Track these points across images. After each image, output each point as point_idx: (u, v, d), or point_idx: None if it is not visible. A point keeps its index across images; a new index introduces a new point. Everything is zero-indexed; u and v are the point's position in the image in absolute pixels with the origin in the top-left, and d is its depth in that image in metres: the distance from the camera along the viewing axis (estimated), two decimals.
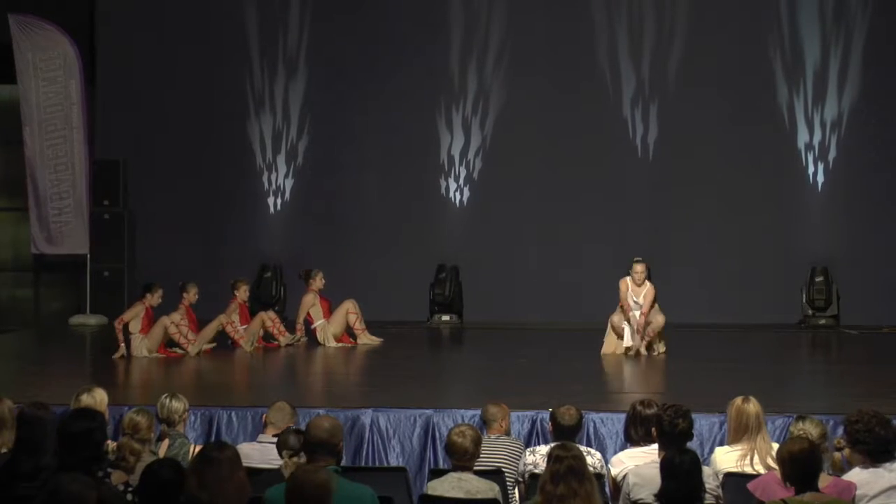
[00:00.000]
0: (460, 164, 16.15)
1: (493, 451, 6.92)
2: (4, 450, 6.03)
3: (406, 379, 10.53)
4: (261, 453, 6.76)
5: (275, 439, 6.57)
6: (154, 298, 11.94)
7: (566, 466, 5.15)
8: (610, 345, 12.01)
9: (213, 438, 8.07)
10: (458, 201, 16.20)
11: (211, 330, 12.20)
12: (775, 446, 6.06)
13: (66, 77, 15.17)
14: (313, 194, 16.29)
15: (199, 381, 10.72)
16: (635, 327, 11.83)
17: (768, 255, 15.43)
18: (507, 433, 7.38)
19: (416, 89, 15.99)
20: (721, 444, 7.04)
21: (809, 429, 6.25)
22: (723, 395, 7.18)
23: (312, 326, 13.03)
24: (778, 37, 15.65)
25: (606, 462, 6.89)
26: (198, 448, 6.43)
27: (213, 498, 4.71)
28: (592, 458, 6.64)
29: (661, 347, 12.05)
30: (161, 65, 16.24)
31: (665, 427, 6.02)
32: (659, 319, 11.93)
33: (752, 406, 6.43)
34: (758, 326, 14.65)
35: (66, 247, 15.40)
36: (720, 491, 6.05)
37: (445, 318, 15.36)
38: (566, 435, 6.67)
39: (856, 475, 5.71)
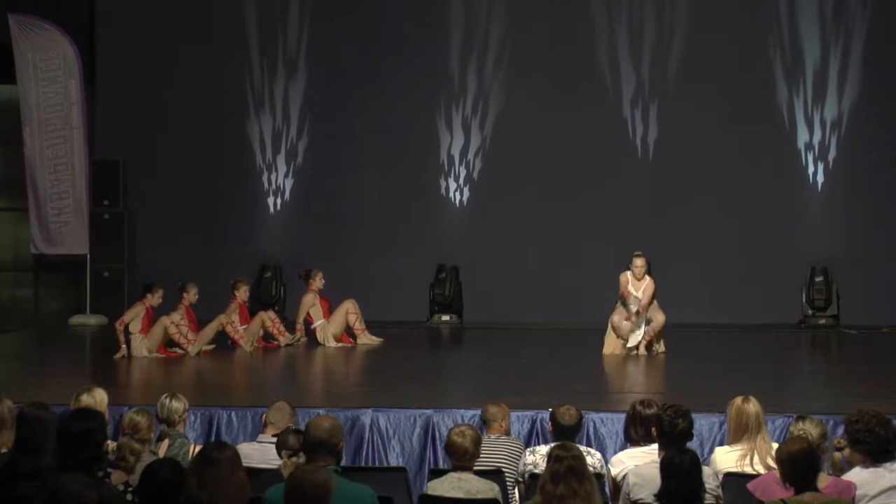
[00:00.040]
0: (460, 164, 16.15)
1: (493, 451, 6.92)
2: (4, 450, 6.03)
3: (406, 379, 10.53)
4: (261, 453, 6.76)
5: (275, 439, 6.57)
6: (154, 298, 11.94)
7: (566, 466, 5.15)
8: (610, 345, 12.00)
9: (213, 438, 8.07)
10: (457, 201, 16.20)
11: (211, 330, 12.20)
12: (775, 446, 6.06)
13: (65, 77, 15.17)
14: (313, 194, 16.29)
15: (199, 381, 10.72)
16: (636, 308, 11.80)
17: (768, 254, 15.43)
18: (507, 433, 7.38)
19: (416, 89, 15.99)
20: (721, 444, 7.04)
21: (809, 429, 6.25)
22: (723, 395, 7.18)
23: (312, 326, 13.03)
24: (778, 37, 15.65)
25: (606, 462, 6.89)
26: (198, 448, 6.43)
27: (213, 498, 4.71)
28: (592, 458, 6.64)
29: (660, 347, 12.06)
30: (161, 65, 16.24)
31: (665, 427, 6.02)
32: (659, 318, 11.93)
33: (752, 406, 6.43)
34: (758, 326, 14.65)
35: (65, 247, 15.40)
36: (720, 491, 6.05)
37: (445, 318, 15.35)
38: (566, 435, 6.67)
39: (856, 475, 5.71)
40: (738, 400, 6.49)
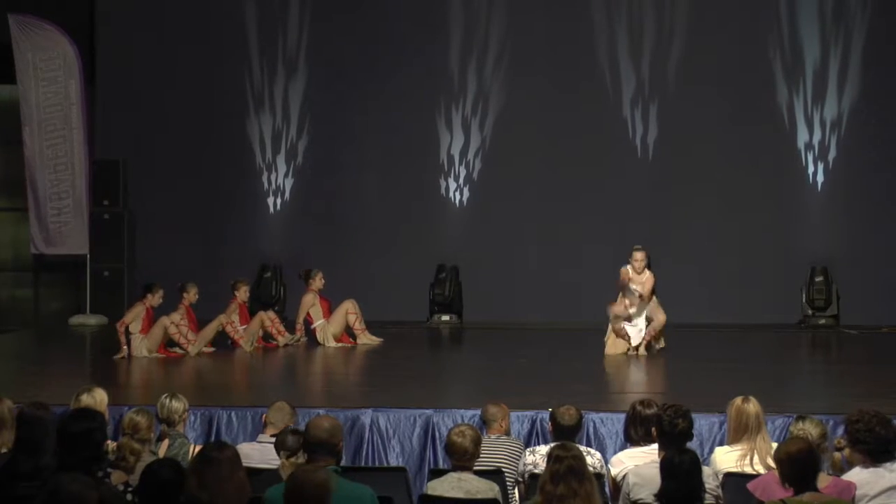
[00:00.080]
0: (460, 164, 16.15)
1: (493, 451, 6.92)
2: (4, 450, 6.03)
3: (406, 379, 10.53)
4: (261, 453, 6.76)
5: (274, 439, 6.56)
6: (155, 299, 11.95)
7: (566, 466, 5.15)
8: (612, 346, 12.00)
9: (213, 438, 8.07)
10: (457, 201, 16.20)
11: (211, 330, 12.20)
12: (775, 446, 6.06)
13: (65, 77, 15.17)
14: (313, 194, 16.29)
15: (199, 381, 10.72)
16: (637, 294, 11.81)
17: (768, 254, 15.43)
18: (507, 433, 7.38)
19: (416, 89, 15.99)
20: (721, 444, 7.04)
21: (809, 429, 6.25)
22: (723, 395, 7.18)
23: (312, 326, 13.03)
24: (778, 37, 15.65)
25: (606, 462, 6.90)
26: (198, 448, 6.43)
27: (213, 498, 4.71)
28: (592, 458, 6.64)
29: (660, 343, 12.07)
30: (161, 65, 16.24)
31: (665, 427, 6.02)
32: (660, 318, 11.93)
33: (752, 406, 6.43)
34: (758, 326, 14.64)
35: (65, 247, 15.40)
36: (720, 491, 6.05)
37: (445, 318, 15.35)
38: (566, 435, 6.68)
39: (856, 475, 5.71)
40: (738, 400, 6.49)
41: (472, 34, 16.09)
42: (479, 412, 7.71)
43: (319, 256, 14.98)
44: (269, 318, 12.83)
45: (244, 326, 12.57)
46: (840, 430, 6.99)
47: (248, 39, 16.36)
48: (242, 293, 12.76)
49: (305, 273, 13.22)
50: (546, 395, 8.51)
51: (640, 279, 11.93)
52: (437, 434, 8.07)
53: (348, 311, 13.01)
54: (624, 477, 6.05)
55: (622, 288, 11.93)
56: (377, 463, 8.02)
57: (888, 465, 5.72)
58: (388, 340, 13.17)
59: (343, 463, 5.95)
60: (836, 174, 15.60)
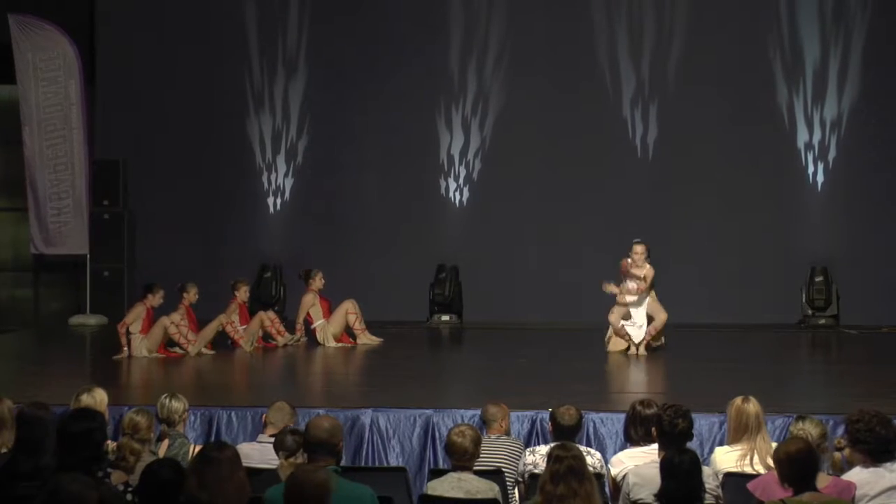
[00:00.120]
0: (460, 164, 16.15)
1: (493, 451, 6.93)
2: (4, 450, 6.03)
3: (406, 379, 10.53)
4: (261, 453, 6.76)
5: (274, 439, 6.56)
6: (155, 299, 11.95)
7: (566, 466, 5.15)
8: (614, 343, 12.02)
9: (213, 438, 8.07)
10: (457, 201, 16.20)
11: (211, 330, 12.20)
12: (775, 446, 6.06)
13: (65, 77, 15.17)
14: (313, 194, 16.29)
15: (199, 381, 10.72)
16: (636, 286, 11.84)
17: (768, 254, 15.43)
18: (507, 433, 7.38)
19: (415, 89, 15.99)
20: (721, 444, 7.04)
21: (809, 429, 6.25)
22: (723, 395, 7.18)
23: (312, 326, 13.03)
24: (778, 37, 15.65)
25: (606, 462, 6.90)
26: (198, 448, 6.43)
27: (213, 498, 4.71)
28: (592, 458, 6.64)
29: (659, 340, 12.08)
30: (161, 65, 16.24)
31: (665, 427, 6.02)
32: (661, 317, 11.94)
33: (752, 406, 6.43)
34: (758, 326, 14.64)
35: (65, 247, 15.39)
36: (720, 491, 6.05)
37: (445, 318, 15.35)
38: (566, 435, 6.68)
39: (856, 475, 5.71)
40: (738, 400, 6.49)
41: (472, 34, 16.09)
42: (479, 412, 7.71)
43: (319, 256, 14.98)
44: (268, 318, 12.83)
45: (244, 326, 12.57)
46: (840, 430, 7.00)
47: (248, 39, 16.36)
48: (242, 293, 12.76)
49: (305, 273, 13.22)
50: (546, 395, 8.51)
51: (640, 272, 11.95)
52: (437, 434, 8.07)
53: (348, 311, 13.01)
54: (624, 477, 6.06)
55: (623, 276, 11.98)
56: (377, 463, 8.03)
57: (888, 465, 5.72)
58: (388, 340, 13.17)
59: (343, 463, 5.95)
60: (836, 174, 15.59)
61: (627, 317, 11.98)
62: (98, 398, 6.72)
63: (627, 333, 11.95)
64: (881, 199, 15.38)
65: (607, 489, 6.50)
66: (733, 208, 15.51)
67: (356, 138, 16.08)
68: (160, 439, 6.94)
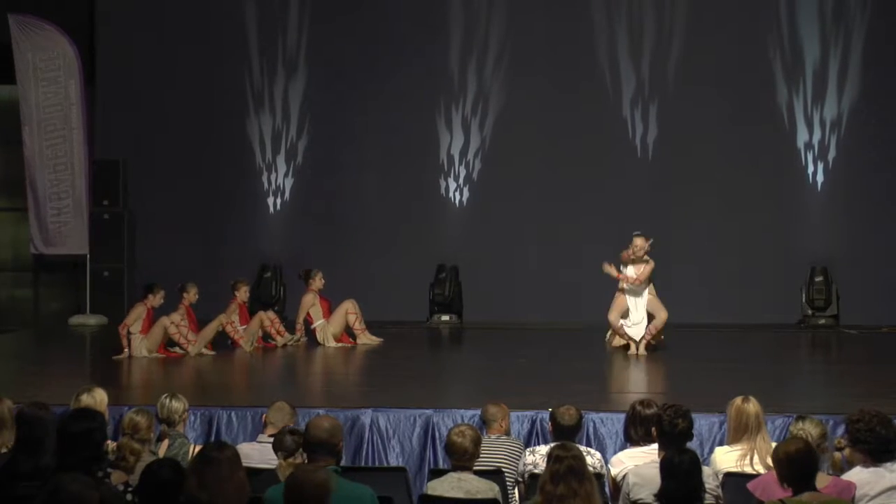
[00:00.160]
0: (460, 164, 16.15)
1: (493, 451, 6.92)
2: (4, 450, 6.03)
3: (406, 379, 10.53)
4: (260, 453, 6.75)
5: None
6: (156, 299, 11.95)
7: (566, 466, 5.15)
8: (616, 340, 12.04)
9: (212, 438, 8.07)
10: (457, 201, 16.20)
11: (211, 330, 12.20)
12: (774, 446, 6.06)
13: (65, 77, 15.17)
14: (313, 194, 16.29)
15: (199, 381, 10.72)
16: (634, 276, 11.87)
17: (768, 254, 15.43)
18: (507, 433, 7.38)
19: (416, 89, 15.99)
20: (721, 444, 7.04)
21: (809, 429, 6.25)
22: (723, 395, 7.18)
23: (312, 326, 13.03)
24: (777, 37, 15.65)
25: (606, 462, 6.90)
26: (198, 448, 6.43)
27: (212, 498, 4.71)
28: (592, 458, 6.64)
29: (658, 338, 12.08)
30: (161, 65, 16.24)
31: (665, 427, 6.02)
32: (661, 315, 11.93)
33: (752, 406, 6.43)
34: (758, 326, 14.65)
35: (65, 247, 15.39)
36: (720, 491, 6.05)
37: (445, 318, 15.35)
38: (566, 435, 6.68)
39: (856, 475, 5.71)
40: (738, 400, 6.49)
41: (472, 34, 16.09)
42: (479, 412, 7.71)
43: (319, 256, 14.98)
44: (268, 318, 12.83)
45: (244, 326, 12.57)
46: (840, 430, 7.00)
47: (248, 39, 16.36)
48: (242, 293, 12.76)
49: (305, 273, 13.22)
50: (546, 395, 8.50)
51: (639, 265, 11.98)
52: (437, 434, 8.06)
53: (348, 311, 13.01)
54: (624, 477, 6.06)
55: (623, 264, 12.01)
56: (377, 463, 8.02)
57: (888, 465, 5.72)
58: (388, 340, 13.17)
59: (343, 463, 5.95)
60: (836, 174, 15.60)
61: (625, 315, 11.98)
62: (98, 398, 6.71)
63: (627, 334, 11.95)
64: (881, 199, 15.38)
65: (607, 489, 6.50)
66: (733, 208, 15.52)
67: (356, 138, 16.08)
68: (160, 439, 6.94)
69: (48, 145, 15.22)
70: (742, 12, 15.72)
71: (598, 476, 6.30)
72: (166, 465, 4.90)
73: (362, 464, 7.95)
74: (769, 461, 6.09)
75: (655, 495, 5.34)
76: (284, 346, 12.70)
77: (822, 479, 5.54)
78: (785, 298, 15.05)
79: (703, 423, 7.63)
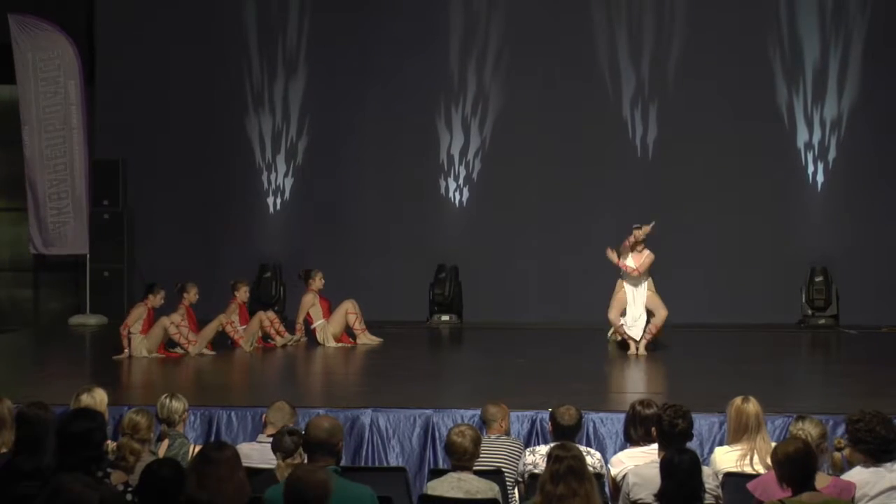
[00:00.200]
0: (460, 164, 16.15)
1: (493, 451, 6.93)
2: (4, 450, 6.03)
3: (406, 379, 10.53)
4: (260, 453, 6.75)
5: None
6: (156, 299, 11.96)
7: (566, 466, 5.15)
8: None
9: (212, 438, 8.07)
10: (457, 201, 16.20)
11: (211, 330, 12.20)
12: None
13: (65, 77, 15.17)
14: (313, 194, 16.29)
15: (199, 381, 10.72)
16: (634, 266, 11.89)
17: (768, 254, 15.42)
18: (507, 433, 7.38)
19: (416, 89, 15.99)
20: (721, 444, 7.04)
21: (809, 429, 6.25)
22: (723, 395, 7.18)
23: (312, 326, 13.03)
24: (777, 36, 15.65)
25: (606, 462, 6.90)
26: (197, 448, 6.43)
27: (212, 498, 4.71)
28: (592, 458, 6.64)
29: (659, 334, 12.10)
30: (161, 65, 16.23)
31: (665, 427, 6.02)
32: (662, 313, 11.93)
33: (752, 406, 6.43)
34: (758, 326, 14.64)
35: (65, 247, 15.39)
36: (720, 491, 6.05)
37: (445, 318, 15.35)
38: (566, 435, 6.68)
39: (857, 475, 5.72)
40: (738, 400, 6.50)
41: (472, 34, 16.09)
42: (479, 412, 7.71)
43: (319, 256, 14.98)
44: (267, 318, 12.83)
45: (244, 326, 12.57)
46: (840, 430, 7.01)
47: (248, 39, 16.36)
48: (242, 293, 12.76)
49: (305, 273, 13.22)
50: (546, 395, 8.50)
51: (639, 258, 12.01)
52: (437, 434, 8.07)
53: (348, 311, 13.01)
54: (624, 477, 6.06)
55: (621, 251, 12.05)
56: (377, 463, 8.03)
57: (889, 465, 5.72)
58: (388, 340, 13.17)
59: (343, 463, 5.95)
60: (836, 174, 15.59)
61: (625, 312, 11.97)
62: (98, 398, 6.72)
63: (627, 334, 11.94)
64: (881, 199, 15.38)
65: (607, 489, 6.50)
66: (733, 208, 15.51)
67: (356, 138, 16.07)
68: (160, 439, 6.94)
69: (48, 145, 15.21)
70: (742, 12, 15.71)
71: (598, 476, 6.31)
72: (166, 465, 4.90)
73: (362, 464, 7.96)
74: (769, 461, 6.10)
75: (655, 495, 5.35)
76: (284, 346, 12.71)
77: (822, 479, 5.54)
78: (785, 298, 15.05)
79: (703, 423, 7.63)
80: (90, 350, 13.84)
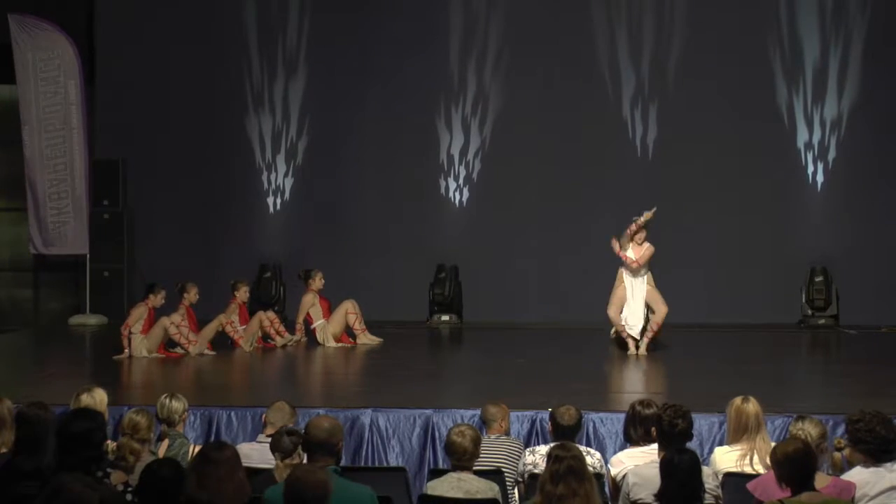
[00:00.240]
0: (460, 164, 16.15)
1: (493, 451, 6.93)
2: (4, 450, 6.03)
3: (406, 379, 10.53)
4: (260, 453, 6.75)
5: None
6: (157, 299, 11.97)
7: (566, 466, 5.15)
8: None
9: (212, 438, 8.08)
10: (457, 201, 16.20)
11: (211, 330, 12.20)
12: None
13: (65, 77, 15.18)
14: (313, 194, 16.29)
15: (199, 381, 10.72)
16: (634, 258, 11.89)
17: (768, 254, 15.42)
18: (507, 433, 7.39)
19: (416, 89, 15.99)
20: (721, 444, 7.04)
21: (809, 429, 6.25)
22: (723, 395, 7.18)
23: (312, 326, 13.03)
24: (777, 36, 15.65)
25: (606, 462, 6.90)
26: (197, 448, 6.43)
27: (212, 498, 4.71)
28: (592, 458, 6.64)
29: (659, 332, 12.11)
30: (161, 65, 16.23)
31: (664, 427, 6.02)
32: (662, 309, 11.91)
33: (752, 406, 6.44)
34: (758, 326, 14.64)
35: (65, 247, 15.40)
36: (720, 491, 6.05)
37: (445, 317, 15.35)
38: (566, 435, 6.68)
39: (857, 475, 5.72)
40: (738, 400, 6.50)
41: (471, 34, 16.09)
42: (478, 412, 7.71)
43: (319, 256, 14.98)
44: (267, 318, 12.83)
45: (244, 326, 12.57)
46: (840, 430, 7.01)
47: (248, 39, 16.36)
48: (242, 293, 12.76)
49: (305, 273, 13.22)
50: (546, 395, 8.51)
51: (639, 251, 12.02)
52: (436, 434, 8.07)
53: (348, 311, 13.01)
54: (624, 477, 6.06)
55: (621, 240, 12.07)
56: (377, 463, 8.03)
57: (889, 465, 5.72)
58: (388, 340, 13.17)
59: (343, 463, 5.96)
60: (835, 174, 15.59)
61: (623, 310, 11.97)
62: (98, 398, 6.72)
63: (628, 333, 11.94)
64: (881, 199, 15.37)
65: (607, 489, 6.50)
66: (733, 208, 15.51)
67: (356, 138, 16.07)
68: (160, 439, 6.94)
69: (48, 145, 15.22)
70: (742, 12, 15.71)
71: (598, 476, 6.30)
72: (166, 465, 4.90)
73: (362, 464, 7.96)
74: (769, 461, 6.10)
75: (655, 495, 5.35)
76: (284, 346, 12.71)
77: (822, 479, 5.54)
78: (785, 298, 15.05)
79: (702, 423, 7.64)
80: (90, 350, 13.84)
